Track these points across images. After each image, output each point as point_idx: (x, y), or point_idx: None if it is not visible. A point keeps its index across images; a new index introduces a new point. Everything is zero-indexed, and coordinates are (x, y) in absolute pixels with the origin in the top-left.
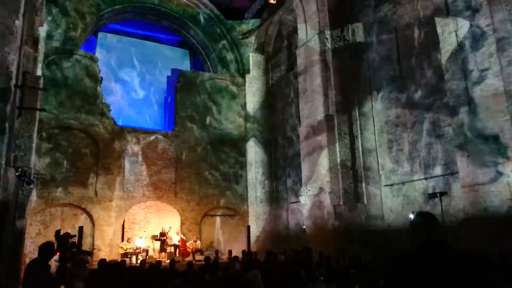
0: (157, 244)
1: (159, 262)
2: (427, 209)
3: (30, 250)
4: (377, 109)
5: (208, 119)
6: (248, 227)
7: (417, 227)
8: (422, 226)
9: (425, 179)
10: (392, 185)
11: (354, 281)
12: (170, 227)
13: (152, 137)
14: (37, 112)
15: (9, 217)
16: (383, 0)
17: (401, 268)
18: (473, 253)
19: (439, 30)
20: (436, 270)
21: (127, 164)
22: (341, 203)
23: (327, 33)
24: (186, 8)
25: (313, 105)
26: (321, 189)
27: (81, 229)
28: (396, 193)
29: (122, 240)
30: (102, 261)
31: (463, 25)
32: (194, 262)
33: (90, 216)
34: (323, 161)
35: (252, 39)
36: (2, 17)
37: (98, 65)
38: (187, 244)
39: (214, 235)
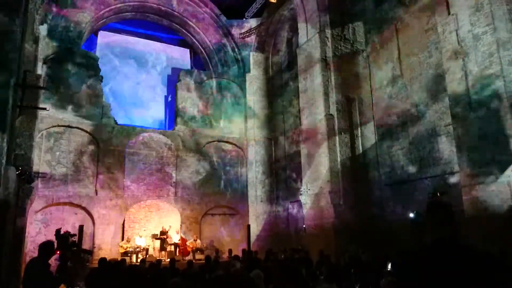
0: (157, 243)
1: (159, 261)
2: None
3: (31, 249)
4: (378, 108)
5: (208, 118)
6: (248, 226)
7: (431, 222)
8: (437, 221)
9: (426, 178)
10: (392, 184)
11: (354, 280)
12: (170, 226)
13: (153, 136)
14: (38, 111)
15: (10, 216)
16: None
17: (414, 265)
18: (485, 251)
19: (439, 29)
20: (448, 268)
21: (127, 163)
22: (341, 203)
23: (328, 32)
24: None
25: (313, 104)
26: (321, 188)
27: (81, 228)
28: (396, 192)
29: (122, 239)
30: (102, 260)
31: (464, 24)
32: (194, 261)
33: (90, 215)
34: (324, 160)
35: (252, 38)
36: (3, 15)
37: (98, 64)
38: (187, 243)
39: (214, 234)
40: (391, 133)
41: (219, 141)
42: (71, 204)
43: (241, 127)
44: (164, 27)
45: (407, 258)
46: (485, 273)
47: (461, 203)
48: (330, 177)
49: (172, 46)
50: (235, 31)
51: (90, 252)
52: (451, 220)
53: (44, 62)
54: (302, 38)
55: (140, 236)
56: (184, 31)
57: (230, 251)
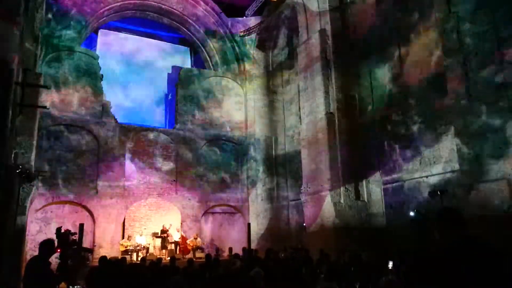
0: (158, 242)
1: (160, 259)
2: (427, 208)
3: (31, 247)
4: (378, 107)
5: (209, 117)
6: (249, 224)
7: (448, 223)
8: (454, 222)
9: (426, 177)
10: (392, 183)
11: (354, 278)
12: (171, 225)
13: (153, 134)
14: (38, 110)
15: (10, 215)
16: None
17: (445, 263)
18: (502, 249)
19: (440, 27)
20: (478, 264)
21: (127, 162)
22: (341, 201)
23: (328, 31)
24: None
25: (314, 103)
26: (321, 187)
27: (81, 226)
28: (396, 191)
29: (123, 238)
30: (103, 258)
31: (465, 23)
32: (194, 259)
33: (91, 213)
34: (324, 158)
35: (253, 36)
36: (3, 14)
37: (98, 62)
38: (188, 241)
39: (215, 233)
40: (391, 132)
41: (219, 139)
42: (71, 202)
43: (242, 125)
44: (164, 26)
45: (433, 255)
46: (503, 268)
47: (461, 202)
48: (330, 175)
49: (172, 44)
50: (236, 29)
51: (91, 251)
52: (464, 222)
53: (44, 61)
54: (302, 36)
55: (141, 235)
56: (185, 29)
57: (230, 249)
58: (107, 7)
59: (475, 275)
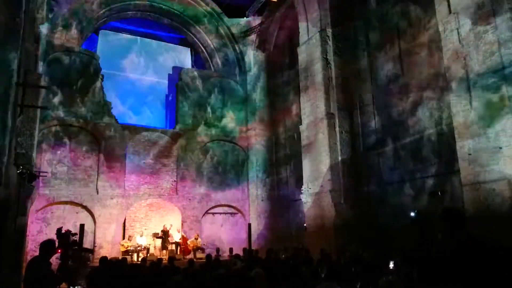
0: (158, 242)
1: (160, 259)
2: (427, 208)
3: (32, 248)
4: (379, 107)
5: (209, 117)
6: (249, 225)
7: (451, 223)
8: (457, 222)
9: (426, 177)
10: (393, 183)
11: (355, 278)
12: (171, 225)
13: (154, 135)
14: (38, 110)
15: (11, 215)
16: None
17: (452, 263)
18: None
19: (440, 28)
20: (483, 263)
21: (128, 162)
22: (342, 201)
23: (329, 31)
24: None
25: (314, 103)
26: (322, 187)
27: (82, 226)
28: (397, 191)
29: (123, 238)
30: (103, 259)
31: (465, 23)
32: (195, 260)
33: (91, 213)
34: (324, 159)
35: (253, 36)
36: (3, 14)
37: (99, 63)
38: (188, 242)
39: (215, 233)
40: (392, 132)
41: (220, 140)
42: (72, 203)
43: (242, 126)
44: (164, 26)
45: (440, 255)
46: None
47: (462, 202)
48: (331, 176)
49: (172, 45)
50: (236, 30)
51: (91, 251)
52: (466, 222)
53: (45, 61)
54: (303, 37)
55: (141, 235)
56: (185, 30)
57: (231, 250)
58: (108, 8)
59: (481, 274)
